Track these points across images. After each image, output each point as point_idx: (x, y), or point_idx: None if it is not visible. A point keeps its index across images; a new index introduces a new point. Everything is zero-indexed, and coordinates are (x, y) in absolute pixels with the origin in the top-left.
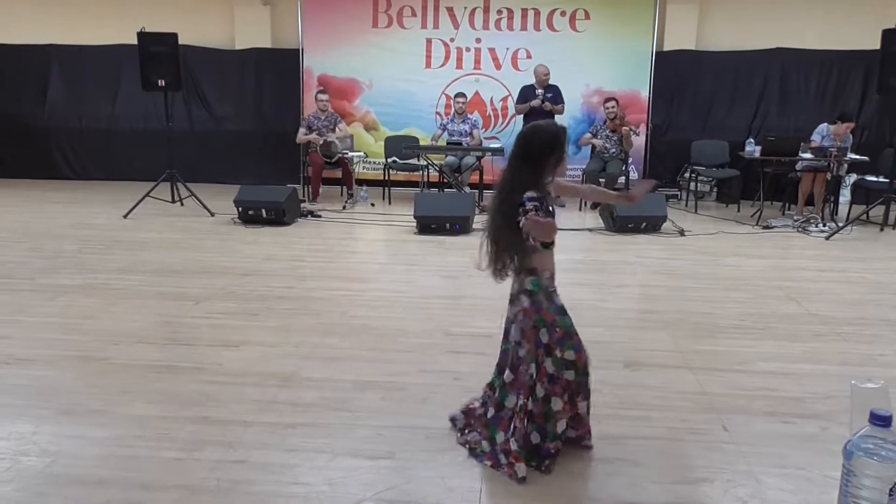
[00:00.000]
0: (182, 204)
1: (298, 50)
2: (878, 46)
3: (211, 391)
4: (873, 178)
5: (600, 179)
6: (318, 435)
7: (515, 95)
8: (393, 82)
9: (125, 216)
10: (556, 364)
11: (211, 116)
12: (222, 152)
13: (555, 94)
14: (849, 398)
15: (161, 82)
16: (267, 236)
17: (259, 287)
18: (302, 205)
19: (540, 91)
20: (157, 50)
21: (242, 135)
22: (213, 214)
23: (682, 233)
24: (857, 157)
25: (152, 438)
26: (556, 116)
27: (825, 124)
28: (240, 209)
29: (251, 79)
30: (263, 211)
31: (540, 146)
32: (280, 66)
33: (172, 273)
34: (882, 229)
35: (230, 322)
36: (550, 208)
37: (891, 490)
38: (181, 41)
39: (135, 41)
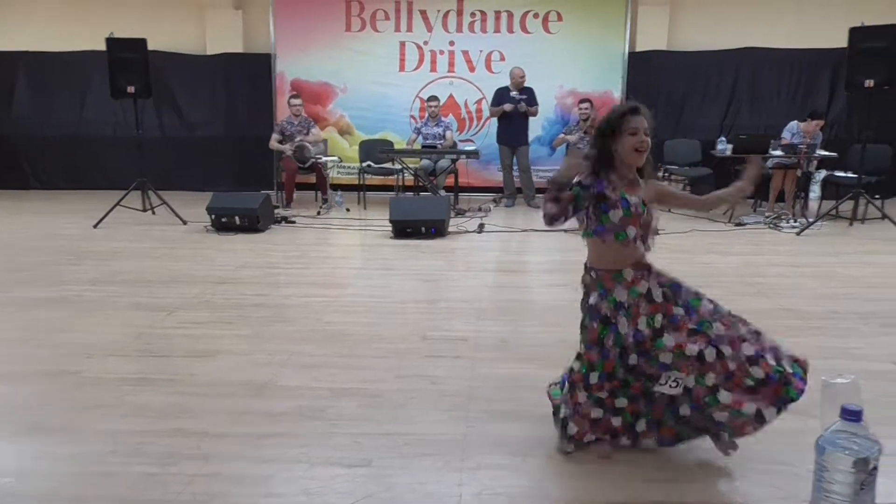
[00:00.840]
0: (154, 212)
1: (271, 55)
2: (845, 44)
3: (185, 403)
4: (842, 174)
5: None
6: (294, 444)
7: (490, 97)
8: (367, 86)
9: (95, 226)
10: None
11: (182, 123)
12: (194, 159)
13: (529, 97)
14: None
15: (130, 89)
16: (241, 244)
17: (233, 295)
18: (276, 211)
19: (514, 93)
20: (125, 56)
21: (214, 141)
22: (185, 222)
23: (655, 231)
24: (826, 153)
25: (126, 453)
26: (530, 119)
27: (795, 122)
28: (213, 216)
29: (223, 84)
30: (237, 218)
31: (598, 131)
32: (252, 71)
33: (145, 283)
34: (851, 224)
35: (204, 332)
36: (588, 202)
37: (862, 483)
38: (151, 47)
39: (103, 47)
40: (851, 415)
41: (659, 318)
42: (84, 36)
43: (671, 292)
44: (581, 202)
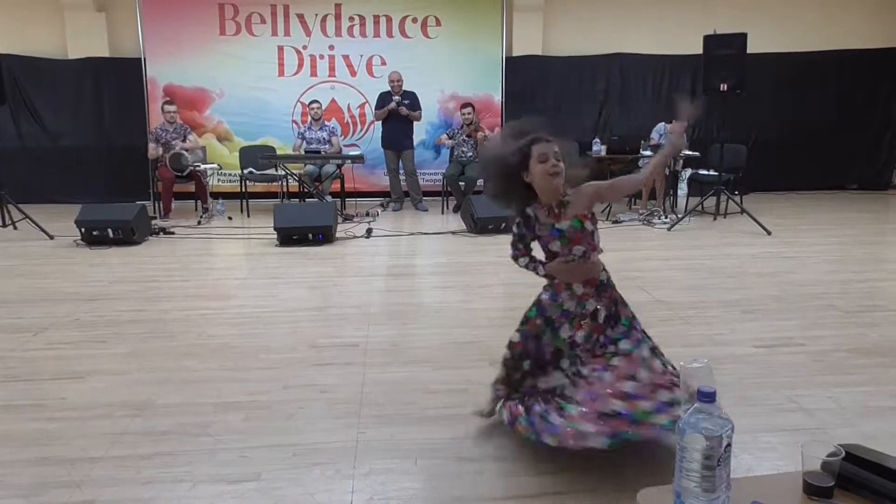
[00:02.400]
0: (15, 227)
1: (140, 59)
2: (701, 51)
3: (53, 429)
4: (705, 172)
5: (460, 183)
6: (177, 463)
7: (373, 102)
8: (245, 91)
9: None
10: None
11: (44, 131)
12: (60, 170)
13: (412, 101)
14: None
15: None
16: (115, 257)
17: (107, 312)
18: (153, 222)
19: (396, 97)
20: None
21: (82, 150)
22: (52, 237)
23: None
24: (691, 152)
25: None
26: (414, 123)
27: (663, 123)
28: (83, 230)
29: (89, 90)
30: (110, 231)
31: (502, 173)
32: (121, 76)
33: (5, 303)
34: (715, 218)
35: (74, 352)
36: (537, 229)
37: (718, 460)
38: (3, 50)
39: None
40: (706, 396)
41: (595, 337)
42: None
43: (610, 316)
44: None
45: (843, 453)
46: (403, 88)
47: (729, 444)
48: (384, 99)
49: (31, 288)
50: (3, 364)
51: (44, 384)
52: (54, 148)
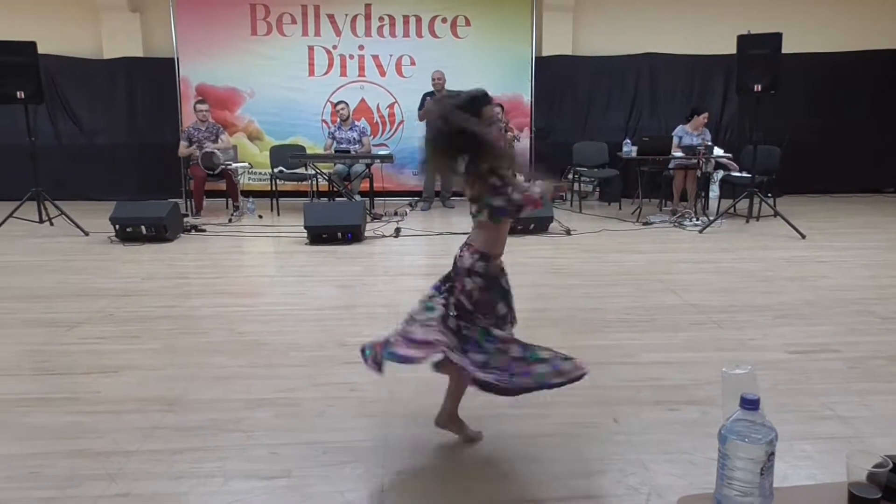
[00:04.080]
0: (52, 224)
1: (173, 59)
2: (734, 51)
3: (87, 422)
4: (737, 174)
5: None
6: (209, 459)
7: (402, 102)
8: (276, 91)
9: None
10: None
11: (80, 130)
12: (95, 168)
13: None
14: None
15: (20, 94)
16: (147, 254)
17: (139, 308)
18: (185, 219)
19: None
20: (12, 60)
21: (116, 148)
22: (87, 233)
23: (568, 232)
24: (723, 154)
25: (21, 478)
26: None
27: (681, 126)
28: (117, 227)
29: (123, 89)
30: (143, 227)
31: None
32: (154, 75)
33: (41, 298)
34: (747, 221)
35: (108, 347)
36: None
37: (762, 469)
38: (42, 50)
39: None
40: (749, 404)
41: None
42: None
43: None
44: None
45: (891, 464)
46: (446, 88)
47: (772, 453)
48: (426, 99)
49: (66, 283)
50: (39, 358)
51: (78, 378)
52: (89, 146)
